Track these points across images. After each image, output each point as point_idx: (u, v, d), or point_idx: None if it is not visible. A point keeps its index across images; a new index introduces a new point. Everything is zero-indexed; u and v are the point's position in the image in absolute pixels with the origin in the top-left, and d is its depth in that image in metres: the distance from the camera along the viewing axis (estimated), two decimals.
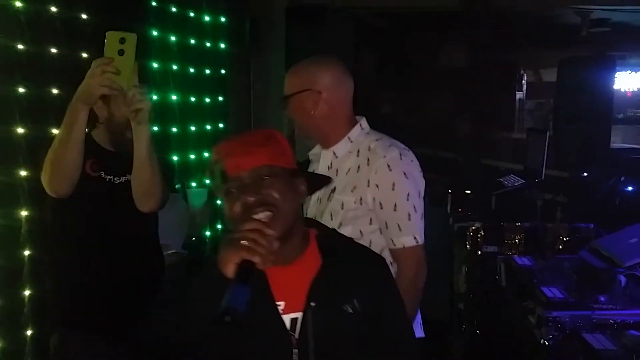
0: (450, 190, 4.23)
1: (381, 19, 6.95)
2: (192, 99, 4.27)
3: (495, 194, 3.91)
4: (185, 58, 4.10)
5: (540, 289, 2.55)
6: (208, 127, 4.46)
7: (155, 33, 3.73)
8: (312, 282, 1.42)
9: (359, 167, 2.02)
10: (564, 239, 3.32)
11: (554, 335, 2.27)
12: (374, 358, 1.43)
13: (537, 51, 8.20)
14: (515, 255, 3.14)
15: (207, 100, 4.46)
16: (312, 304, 1.40)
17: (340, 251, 1.49)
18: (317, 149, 2.21)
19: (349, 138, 2.09)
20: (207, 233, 4.34)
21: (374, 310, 1.43)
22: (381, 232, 2.01)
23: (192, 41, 4.26)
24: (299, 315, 1.41)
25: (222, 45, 4.64)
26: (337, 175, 2.05)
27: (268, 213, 1.37)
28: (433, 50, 7.82)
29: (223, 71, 4.67)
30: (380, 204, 1.97)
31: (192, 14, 4.26)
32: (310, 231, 1.51)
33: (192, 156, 4.20)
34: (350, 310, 1.40)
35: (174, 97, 3.96)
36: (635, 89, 10.91)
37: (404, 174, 1.98)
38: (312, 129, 2.11)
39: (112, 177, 2.10)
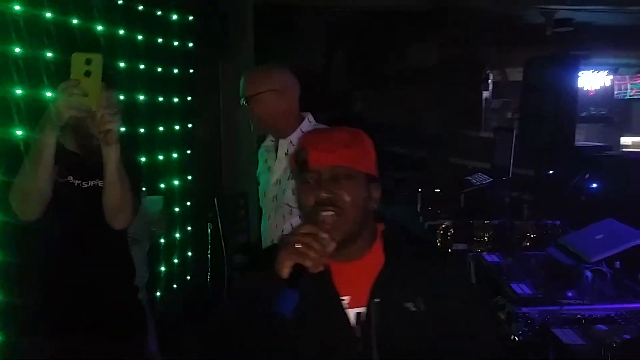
0: (420, 189, 4.26)
1: (352, 18, 6.96)
2: (160, 99, 4.23)
3: (464, 192, 3.95)
4: (152, 57, 4.05)
5: (509, 286, 2.58)
6: (176, 127, 4.41)
7: (122, 32, 3.67)
8: (376, 278, 1.44)
9: None
10: (531, 236, 3.38)
11: (524, 331, 2.30)
12: (446, 357, 1.43)
13: (503, 51, 8.31)
14: (484, 253, 3.18)
15: (175, 100, 4.42)
16: (376, 299, 1.42)
17: (406, 248, 1.51)
18: (268, 141, 2.61)
19: (301, 129, 2.47)
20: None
21: (441, 309, 1.43)
22: None
23: (160, 40, 4.22)
24: (363, 310, 1.43)
25: (190, 45, 4.60)
26: None
27: (332, 214, 1.40)
28: (402, 49, 7.87)
29: (191, 71, 4.63)
30: None
31: (159, 13, 4.21)
32: (378, 226, 1.53)
33: (160, 157, 4.15)
34: (414, 308, 1.42)
35: (141, 97, 3.90)
36: (598, 88, 11.17)
37: None
38: (271, 123, 2.48)
39: (80, 181, 2.06)
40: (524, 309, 2.35)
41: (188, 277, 4.50)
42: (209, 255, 4.31)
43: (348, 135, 1.46)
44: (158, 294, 4.02)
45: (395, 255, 1.47)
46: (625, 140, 9.85)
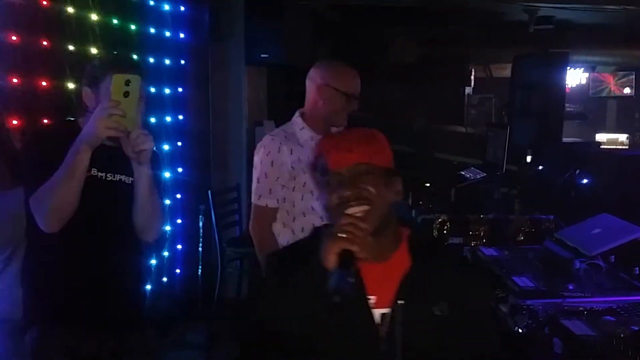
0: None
1: (337, 13, 6.96)
2: (152, 90, 4.17)
3: (458, 186, 3.99)
4: (144, 48, 4.00)
5: (512, 279, 2.62)
6: (167, 118, 4.37)
7: (115, 21, 3.62)
8: (402, 280, 1.46)
9: None
10: (526, 230, 3.44)
11: (528, 323, 2.33)
12: None
13: (485, 47, 8.38)
14: (482, 246, 3.21)
15: (167, 91, 4.37)
16: (400, 301, 1.44)
17: (431, 252, 1.53)
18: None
19: None
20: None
21: (463, 316, 1.46)
22: None
23: (152, 30, 4.16)
24: (388, 310, 1.44)
25: (182, 35, 4.55)
26: None
27: (364, 207, 1.42)
28: (386, 44, 7.89)
29: (182, 62, 4.59)
30: None
31: (151, 3, 4.16)
32: (402, 230, 1.55)
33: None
34: (439, 312, 1.44)
35: None
36: (574, 85, 11.35)
37: None
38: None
39: (104, 174, 2.02)
40: (528, 302, 2.38)
41: (177, 271, 4.47)
42: (200, 249, 4.28)
43: (362, 133, 1.50)
44: (148, 287, 3.98)
45: (421, 258, 1.50)
46: (601, 137, 10.04)
